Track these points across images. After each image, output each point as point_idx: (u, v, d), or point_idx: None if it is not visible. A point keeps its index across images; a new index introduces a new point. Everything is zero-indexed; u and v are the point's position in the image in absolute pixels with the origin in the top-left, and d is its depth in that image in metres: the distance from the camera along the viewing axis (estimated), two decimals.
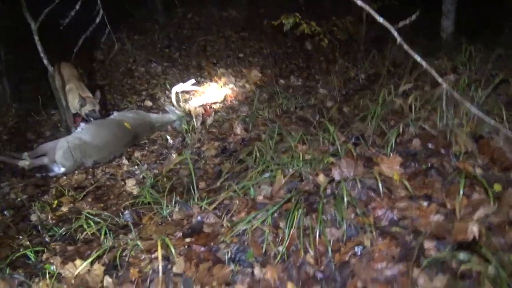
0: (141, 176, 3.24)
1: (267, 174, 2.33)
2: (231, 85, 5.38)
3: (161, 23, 7.31)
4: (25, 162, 3.67)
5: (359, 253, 1.64)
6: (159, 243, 1.80)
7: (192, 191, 2.46)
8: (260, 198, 2.23)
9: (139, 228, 2.35)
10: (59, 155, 3.65)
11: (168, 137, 3.83)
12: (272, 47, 6.47)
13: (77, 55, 3.65)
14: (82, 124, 3.98)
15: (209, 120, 3.94)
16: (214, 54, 6.38)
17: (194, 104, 4.66)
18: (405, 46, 1.88)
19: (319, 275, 1.63)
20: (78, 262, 1.96)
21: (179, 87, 4.40)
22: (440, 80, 1.94)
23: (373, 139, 2.49)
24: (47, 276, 1.87)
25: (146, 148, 3.95)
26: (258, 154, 2.62)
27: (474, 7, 5.41)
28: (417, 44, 5.07)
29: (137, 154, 3.76)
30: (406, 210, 1.78)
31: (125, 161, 3.67)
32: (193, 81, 4.63)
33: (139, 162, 3.52)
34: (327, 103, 3.83)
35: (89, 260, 1.91)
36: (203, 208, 2.28)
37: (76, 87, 4.18)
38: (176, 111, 4.30)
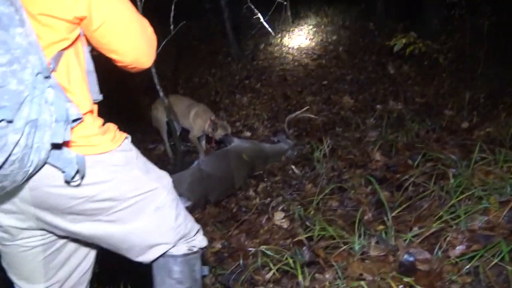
0: (284, 208, 3.05)
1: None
2: (325, 112, 5.23)
3: (234, 55, 7.34)
4: None
5: None
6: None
7: (388, 221, 2.22)
8: (475, 228, 2.00)
9: (328, 265, 2.14)
10: (185, 188, 3.53)
11: (294, 167, 3.65)
12: (353, 74, 6.34)
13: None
14: (202, 156, 3.89)
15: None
16: (296, 82, 6.29)
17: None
18: None
19: None
20: None
21: (293, 115, 4.27)
22: None
23: None
24: None
25: (266, 179, 3.79)
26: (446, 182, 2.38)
27: None
28: None
29: (262, 186, 3.59)
30: None
31: (252, 193, 3.51)
32: (307, 108, 4.51)
33: (271, 194, 3.35)
34: (462, 124, 3.59)
35: None
36: (407, 242, 2.06)
37: (203, 110, 4.20)
38: (289, 141, 4.15)
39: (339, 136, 4.29)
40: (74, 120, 1.05)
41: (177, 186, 3.59)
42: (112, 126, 1.25)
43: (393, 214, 2.29)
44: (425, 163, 2.93)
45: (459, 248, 1.92)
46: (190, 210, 3.44)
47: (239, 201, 3.42)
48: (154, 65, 3.80)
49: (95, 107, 1.22)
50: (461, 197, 2.15)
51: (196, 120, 4.36)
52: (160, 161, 4.74)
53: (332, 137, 4.15)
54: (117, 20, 1.12)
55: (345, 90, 5.83)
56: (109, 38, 1.14)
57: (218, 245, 2.74)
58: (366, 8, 8.83)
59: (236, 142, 4.13)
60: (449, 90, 4.57)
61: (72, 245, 1.34)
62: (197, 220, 3.15)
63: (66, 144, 1.05)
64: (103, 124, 1.22)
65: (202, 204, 3.48)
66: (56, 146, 1.03)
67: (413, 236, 2.05)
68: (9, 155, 0.90)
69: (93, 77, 1.20)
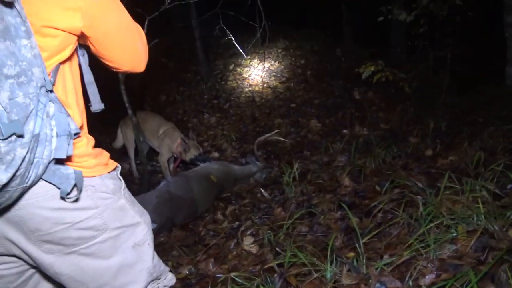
0: (253, 232, 3.00)
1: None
2: (293, 135, 5.26)
3: (203, 74, 7.32)
4: None
5: None
6: None
7: (359, 248, 2.21)
8: (444, 257, 2.03)
9: None
10: (150, 209, 3.40)
11: (263, 190, 3.62)
12: (321, 98, 6.46)
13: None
14: (168, 178, 3.78)
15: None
16: (264, 104, 6.33)
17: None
18: None
19: None
20: None
21: (262, 138, 4.26)
22: None
23: None
24: None
25: (234, 201, 3.73)
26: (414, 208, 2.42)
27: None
28: (480, 92, 5.14)
29: (230, 208, 3.53)
30: None
31: (220, 216, 3.44)
32: (277, 131, 4.51)
33: (240, 218, 3.29)
34: (426, 151, 3.69)
35: None
36: (378, 270, 2.05)
37: (172, 129, 4.11)
38: (258, 163, 4.13)
39: (308, 159, 4.32)
40: (74, 135, 1.02)
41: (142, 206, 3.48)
42: (105, 152, 1.24)
43: (364, 240, 2.29)
44: (393, 189, 2.97)
45: (429, 277, 1.94)
46: (156, 233, 3.32)
47: (206, 224, 3.34)
48: (122, 81, 3.73)
49: (85, 122, 1.19)
50: (430, 225, 2.18)
51: (164, 139, 4.23)
52: (125, 181, 4.57)
53: (301, 160, 4.17)
54: (118, 30, 1.13)
55: (312, 114, 5.91)
56: (111, 48, 1.14)
57: (185, 271, 2.63)
58: (333, 34, 9.10)
59: (201, 166, 4.07)
60: (413, 117, 4.73)
61: (37, 277, 1.25)
62: (163, 244, 3.06)
63: (62, 160, 1.02)
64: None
65: (168, 227, 3.37)
66: (55, 162, 0.99)
67: (384, 265, 2.05)
68: (17, 170, 0.88)
69: (94, 88, 1.22)
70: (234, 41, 4.58)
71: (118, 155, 5.15)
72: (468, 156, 3.32)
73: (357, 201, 3.05)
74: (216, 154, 4.86)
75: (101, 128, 5.32)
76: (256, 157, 4.18)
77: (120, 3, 1.13)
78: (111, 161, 1.25)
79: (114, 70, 1.24)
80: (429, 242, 2.07)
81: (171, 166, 4.53)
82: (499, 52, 5.05)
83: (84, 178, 1.07)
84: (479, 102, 4.70)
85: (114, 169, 1.24)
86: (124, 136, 4.66)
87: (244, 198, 3.74)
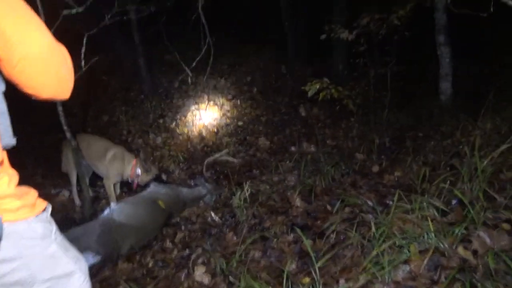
0: (204, 260, 2.86)
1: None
2: (241, 154, 5.20)
3: (147, 92, 7.08)
4: None
5: None
6: None
7: (314, 272, 2.16)
8: (399, 279, 2.03)
9: None
10: (93, 240, 3.16)
11: (213, 214, 3.50)
12: (268, 115, 6.47)
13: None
14: (113, 205, 3.55)
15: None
16: (211, 123, 6.21)
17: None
18: None
19: None
20: None
21: (212, 158, 4.14)
22: None
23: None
24: None
25: (183, 227, 3.58)
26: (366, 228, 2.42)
27: (470, 70, 5.90)
28: (418, 106, 5.38)
29: (180, 235, 3.37)
30: None
31: (169, 244, 3.27)
32: (226, 151, 4.40)
33: (190, 245, 3.15)
34: (373, 167, 3.77)
35: None
36: None
37: (121, 152, 3.96)
38: (207, 184, 4.00)
39: (258, 179, 4.26)
40: None
41: (84, 238, 3.22)
42: (32, 191, 1.08)
43: (319, 265, 2.25)
44: (344, 208, 2.98)
45: None
46: (100, 266, 3.09)
47: (155, 254, 3.15)
48: (60, 102, 3.47)
49: (5, 157, 1.03)
50: (383, 246, 2.19)
51: (114, 163, 3.98)
52: (65, 209, 4.26)
53: (251, 180, 4.11)
54: (37, 54, 0.96)
55: (260, 132, 5.90)
56: (28, 74, 0.97)
57: None
58: (276, 50, 9.20)
59: (151, 187, 3.87)
60: (358, 134, 4.84)
61: None
62: (108, 279, 2.85)
63: None
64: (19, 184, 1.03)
65: (113, 259, 3.14)
66: None
67: None
68: None
69: (6, 118, 1.03)
70: (178, 58, 4.43)
71: (56, 180, 4.83)
72: (413, 172, 3.43)
73: (310, 222, 3.02)
74: (163, 176, 4.66)
75: (38, 155, 4.96)
76: (205, 179, 4.06)
77: (38, 19, 0.99)
78: (40, 200, 1.10)
79: (32, 97, 1.07)
80: (384, 264, 2.06)
81: (117, 190, 4.30)
82: (432, 69, 5.35)
83: (5, 223, 0.94)
84: (418, 117, 4.91)
85: (44, 210, 1.09)
86: (66, 160, 4.36)
87: (194, 223, 3.60)
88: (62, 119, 3.44)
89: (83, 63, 3.48)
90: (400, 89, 5.34)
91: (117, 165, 4.02)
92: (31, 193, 1.07)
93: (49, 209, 1.13)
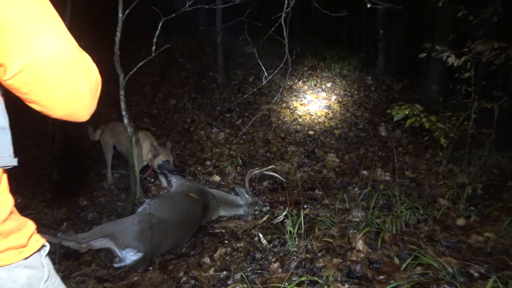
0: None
1: None
2: (306, 168, 4.74)
3: (220, 82, 6.83)
4: (80, 246, 2.96)
5: None
6: None
7: None
8: None
9: None
10: (133, 237, 2.93)
11: (261, 236, 3.10)
12: (343, 128, 5.93)
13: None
14: (148, 200, 3.34)
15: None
16: (280, 127, 5.81)
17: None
18: None
19: None
20: None
21: (256, 171, 3.78)
22: None
23: None
24: None
25: (226, 241, 3.23)
26: None
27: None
28: None
29: (221, 251, 3.03)
30: None
31: (207, 260, 2.94)
32: (272, 167, 4.03)
33: (229, 266, 2.79)
34: (458, 220, 3.14)
35: None
36: None
37: (145, 135, 3.98)
38: (247, 196, 3.64)
39: (318, 201, 3.80)
40: None
41: (123, 234, 2.97)
42: (28, 226, 0.89)
43: None
44: (416, 267, 2.45)
45: None
46: (128, 269, 2.84)
47: (190, 268, 2.83)
48: (122, 85, 3.27)
49: (5, 180, 0.85)
50: None
51: (138, 146, 3.99)
52: (111, 192, 4.15)
53: (310, 201, 3.66)
54: (48, 63, 0.75)
55: (331, 146, 5.38)
56: (34, 87, 0.77)
57: None
58: (365, 60, 8.57)
59: (176, 179, 3.68)
60: (445, 172, 4.16)
61: None
62: (134, 286, 2.56)
63: None
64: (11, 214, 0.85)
65: (147, 259, 2.91)
66: None
67: None
68: None
69: (6, 135, 0.85)
70: (256, 54, 4.09)
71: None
72: (510, 237, 2.77)
73: (370, 274, 2.52)
74: (217, 178, 4.35)
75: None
76: (247, 190, 3.70)
77: (57, 19, 0.78)
78: (36, 238, 0.90)
79: (43, 114, 0.85)
80: None
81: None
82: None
83: None
84: None
85: (39, 250, 0.90)
86: (102, 142, 4.50)
87: (239, 239, 3.23)
88: (122, 104, 3.23)
89: (153, 48, 3.28)
90: (507, 130, 4.55)
91: (141, 148, 4.03)
92: (25, 230, 0.88)
93: (46, 249, 0.94)
